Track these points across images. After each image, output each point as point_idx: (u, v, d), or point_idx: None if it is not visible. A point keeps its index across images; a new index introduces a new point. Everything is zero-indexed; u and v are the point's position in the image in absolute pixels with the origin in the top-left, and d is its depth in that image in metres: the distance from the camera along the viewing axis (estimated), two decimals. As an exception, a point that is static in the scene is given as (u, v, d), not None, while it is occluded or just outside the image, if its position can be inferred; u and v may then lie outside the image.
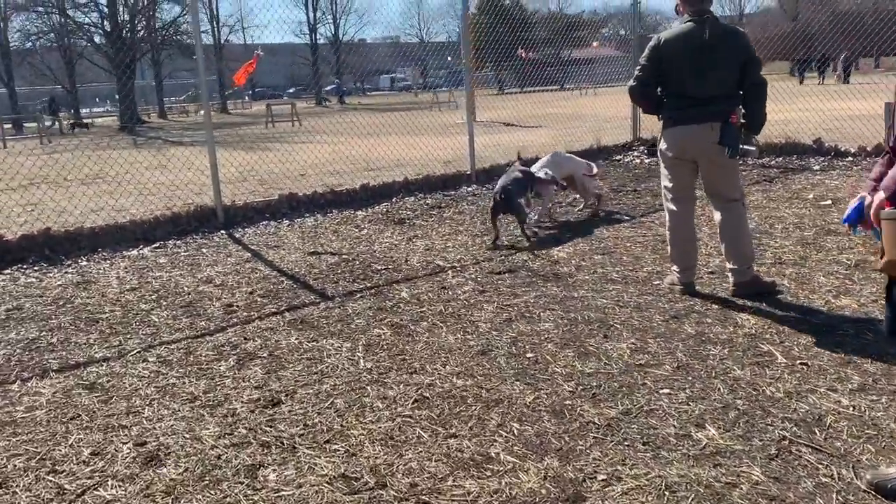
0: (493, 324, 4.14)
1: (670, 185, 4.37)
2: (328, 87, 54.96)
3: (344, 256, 6.05)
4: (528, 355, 3.64)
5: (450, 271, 5.40)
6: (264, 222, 7.59)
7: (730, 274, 4.33)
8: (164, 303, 5.00)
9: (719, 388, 3.15)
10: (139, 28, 37.00)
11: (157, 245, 6.75)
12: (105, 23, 35.06)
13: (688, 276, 4.43)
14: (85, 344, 4.26)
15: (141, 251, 6.59)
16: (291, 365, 3.74)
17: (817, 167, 8.97)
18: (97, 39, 36.39)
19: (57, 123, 32.26)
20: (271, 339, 4.14)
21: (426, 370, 3.55)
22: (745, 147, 4.23)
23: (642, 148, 11.08)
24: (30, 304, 5.12)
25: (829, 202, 6.78)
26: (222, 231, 7.21)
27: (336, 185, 9.35)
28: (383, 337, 4.06)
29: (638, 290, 4.61)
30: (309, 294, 5.03)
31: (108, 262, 6.28)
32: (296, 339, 4.12)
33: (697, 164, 4.28)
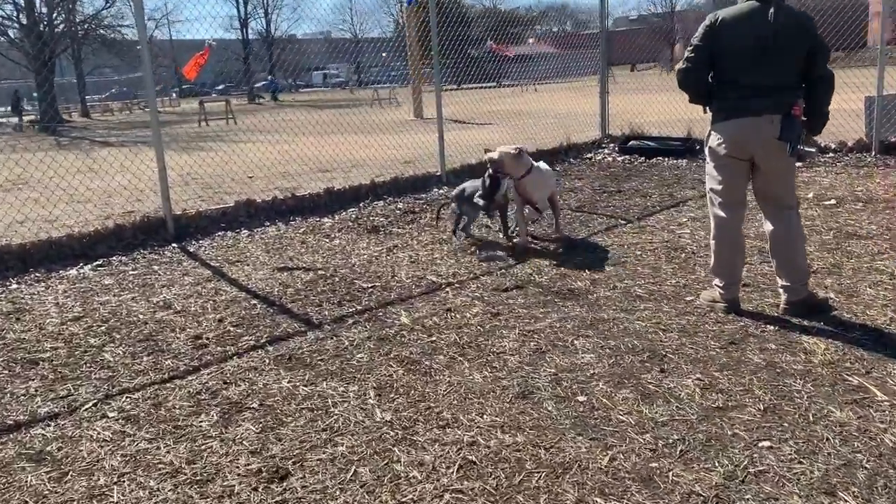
0: (523, 356, 3.54)
1: (719, 187, 3.85)
2: (259, 84, 53.26)
3: (320, 272, 5.35)
4: (580, 398, 3.05)
5: (448, 288, 4.77)
6: (220, 233, 6.79)
7: (782, 291, 3.84)
8: (118, 336, 4.22)
9: (828, 439, 2.62)
10: (58, 22, 34.93)
11: (99, 262, 5.89)
12: (21, 16, 32.90)
13: (732, 291, 3.92)
14: (24, 395, 3.46)
15: (81, 270, 5.72)
16: (291, 418, 3.06)
17: (799, 164, 8.68)
18: (12, 34, 34.13)
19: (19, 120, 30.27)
20: (258, 383, 3.44)
21: (460, 422, 2.92)
22: (804, 148, 3.74)
23: (613, 145, 10.68)
24: (-50, 342, 4.25)
25: (834, 202, 6.44)
26: (174, 244, 6.39)
27: (295, 189, 8.60)
28: (395, 377, 3.41)
29: (673, 308, 4.09)
30: (291, 321, 4.32)
31: (42, 284, 5.40)
32: (288, 381, 3.43)
33: (752, 164, 3.76)
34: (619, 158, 10.13)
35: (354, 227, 6.86)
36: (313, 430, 2.94)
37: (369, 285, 4.96)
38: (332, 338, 3.98)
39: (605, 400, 3.02)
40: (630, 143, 10.35)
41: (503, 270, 5.10)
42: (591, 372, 3.30)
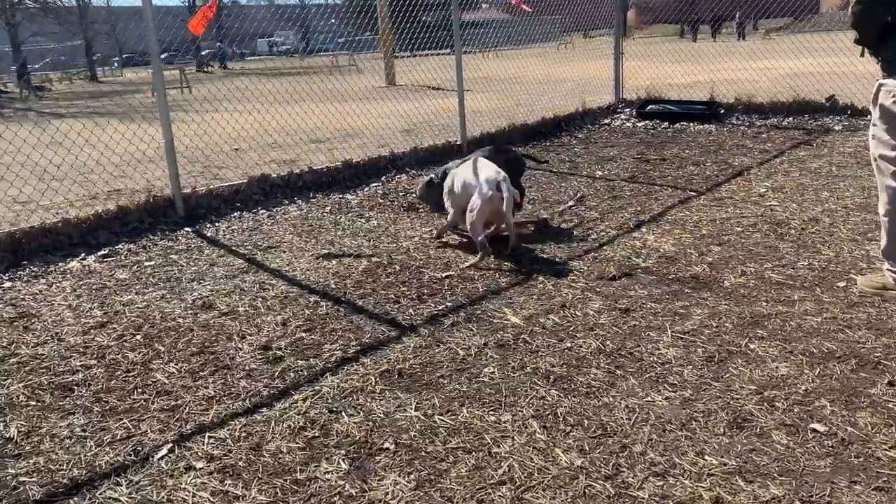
0: (697, 367, 2.88)
1: (893, 154, 3.22)
2: (205, 52, 51.00)
3: (374, 259, 4.59)
4: (815, 427, 2.41)
5: (540, 277, 4.07)
6: (235, 213, 5.94)
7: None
8: (162, 348, 3.41)
9: None
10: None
11: (104, 252, 5.01)
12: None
13: (912, 277, 3.32)
14: (70, 438, 2.66)
15: (85, 262, 4.84)
16: (446, 465, 2.34)
17: (839, 127, 8.19)
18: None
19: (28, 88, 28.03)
20: (376, 412, 2.71)
21: (680, 466, 2.25)
22: None
23: (629, 110, 10.03)
24: (-52, 362, 3.39)
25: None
26: (187, 228, 5.52)
27: (294, 161, 7.77)
28: (552, 401, 2.71)
29: (835, 298, 3.47)
30: (373, 322, 3.57)
31: (42, 281, 4.51)
32: (416, 409, 2.70)
33: None
34: (638, 124, 9.50)
35: (387, 204, 6.09)
36: (487, 484, 2.23)
37: (442, 274, 4.23)
38: (436, 344, 3.26)
39: (849, 428, 2.38)
40: (649, 107, 9.72)
41: (592, 254, 4.41)
42: (802, 388, 2.66)
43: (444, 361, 3.09)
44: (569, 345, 3.15)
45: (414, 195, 6.00)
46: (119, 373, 3.19)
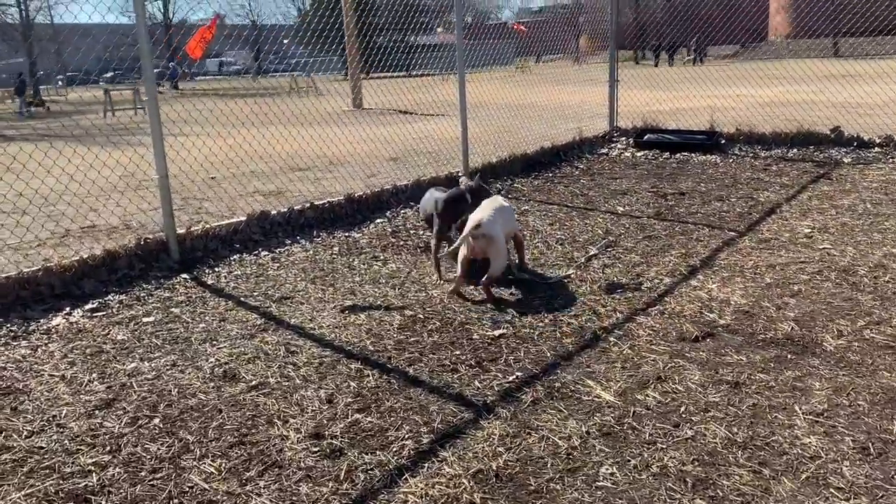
0: (854, 463, 2.44)
1: None
2: (155, 71, 49.60)
3: (408, 313, 4.08)
4: None
5: (610, 338, 3.61)
6: (235, 256, 5.35)
7: None
8: (190, 437, 2.82)
9: None
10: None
11: (93, 306, 4.37)
12: None
13: None
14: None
15: (71, 318, 4.19)
16: None
17: (847, 160, 8.00)
18: None
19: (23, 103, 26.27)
20: (487, 531, 2.17)
21: None
22: None
23: (624, 140, 9.73)
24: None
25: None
26: (184, 275, 4.90)
27: (280, 192, 7.21)
28: (703, 511, 2.22)
29: (963, 366, 3.08)
30: (436, 399, 3.05)
31: (24, 343, 3.86)
32: (537, 527, 2.18)
33: None
34: (637, 154, 9.19)
35: (400, 244, 5.57)
36: None
37: (494, 332, 3.74)
38: (525, 431, 2.75)
39: None
40: (647, 136, 9.44)
41: (656, 307, 3.98)
42: None
43: (546, 457, 2.58)
44: (689, 433, 2.68)
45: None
46: (143, 473, 2.59)
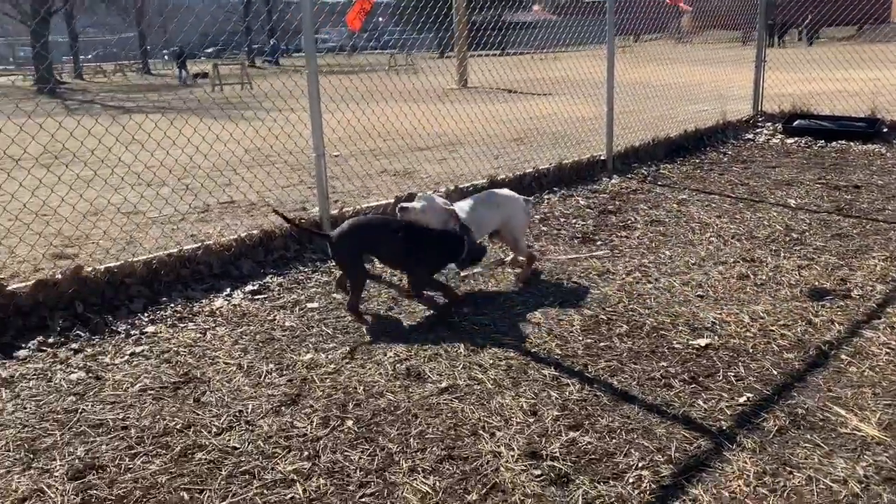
0: None
1: None
2: (255, 47, 50.63)
3: (587, 313, 3.70)
4: None
5: (842, 354, 3.13)
6: (384, 239, 5.07)
7: None
8: (391, 444, 2.57)
9: None
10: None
11: (253, 288, 4.20)
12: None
13: None
14: None
15: (232, 300, 4.02)
16: None
17: None
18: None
19: (185, 73, 27.54)
20: None
21: None
22: None
23: (770, 125, 9.00)
24: (108, 450, 2.57)
25: None
26: (337, 258, 4.66)
27: (412, 172, 6.92)
28: None
29: None
30: (660, 420, 2.69)
31: (192, 325, 3.71)
32: None
33: None
34: (787, 141, 8.47)
35: (553, 233, 5.19)
36: None
37: (700, 342, 3.31)
38: (784, 469, 2.35)
39: None
40: (797, 122, 8.69)
41: (882, 321, 3.46)
42: None
43: None
44: None
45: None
46: (352, 488, 2.33)
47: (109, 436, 2.68)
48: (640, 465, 2.41)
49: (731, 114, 9.38)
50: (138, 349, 3.41)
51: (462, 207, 4.04)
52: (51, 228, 4.94)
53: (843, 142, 8.22)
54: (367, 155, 8.21)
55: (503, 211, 4.18)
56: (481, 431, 2.64)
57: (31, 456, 2.56)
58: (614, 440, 2.56)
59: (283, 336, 3.54)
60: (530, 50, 28.57)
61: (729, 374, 3.02)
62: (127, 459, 2.52)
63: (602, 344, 3.37)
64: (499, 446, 2.54)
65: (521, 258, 4.32)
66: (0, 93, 24.53)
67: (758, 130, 8.90)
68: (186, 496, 2.32)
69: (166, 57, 53.06)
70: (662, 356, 3.22)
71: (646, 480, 2.32)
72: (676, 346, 3.32)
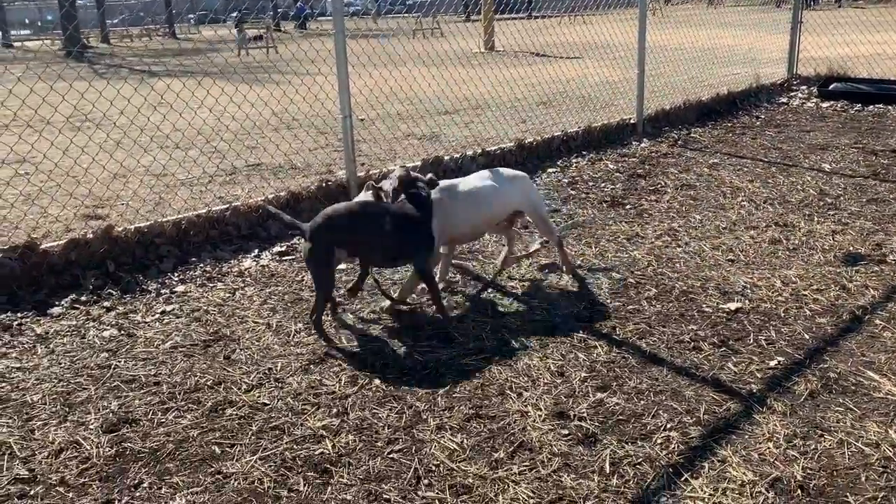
0: None
1: None
2: (280, 11, 50.33)
3: (615, 276, 3.67)
4: None
5: (875, 320, 3.07)
6: (410, 202, 5.05)
7: None
8: (419, 404, 2.58)
9: None
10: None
11: (280, 249, 4.24)
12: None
13: None
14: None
15: (261, 260, 4.05)
16: None
17: None
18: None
19: (246, 36, 27.33)
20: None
21: None
22: None
23: (805, 88, 8.78)
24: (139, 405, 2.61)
25: None
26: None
27: (436, 136, 6.85)
28: None
29: None
30: (688, 382, 2.67)
31: (221, 285, 3.75)
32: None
33: None
34: (822, 105, 8.26)
35: (580, 196, 5.14)
36: None
37: (730, 305, 3.27)
38: (815, 432, 2.33)
39: None
40: (833, 85, 8.47)
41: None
42: None
43: (856, 468, 2.15)
44: None
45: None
46: (380, 444, 2.36)
47: (142, 391, 2.72)
48: (668, 426, 2.40)
49: (765, 77, 9.16)
50: (169, 308, 3.45)
51: (472, 183, 3.44)
52: (82, 189, 5.00)
53: (881, 105, 8.00)
54: (392, 118, 8.15)
55: (522, 187, 3.57)
56: (508, 391, 2.65)
57: (67, 409, 2.61)
58: (642, 402, 2.55)
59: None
60: (558, 13, 28.10)
61: (760, 338, 2.98)
62: (159, 414, 2.56)
63: (630, 307, 3.34)
64: (526, 406, 2.55)
65: (551, 244, 3.79)
66: (29, 56, 24.71)
67: (792, 94, 8.69)
68: (217, 450, 2.35)
69: (192, 21, 52.95)
70: (692, 319, 3.18)
71: (674, 441, 2.31)
72: (706, 309, 3.28)
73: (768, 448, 2.25)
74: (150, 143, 6.03)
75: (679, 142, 6.71)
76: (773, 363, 2.76)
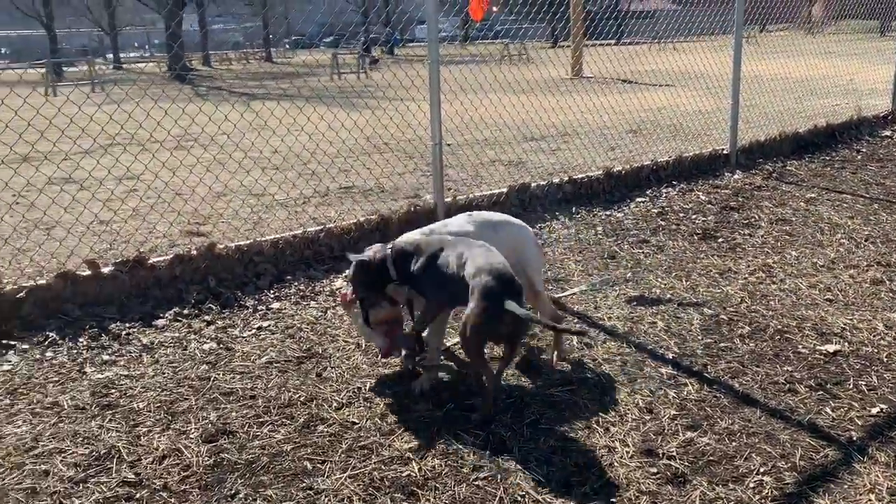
0: None
1: None
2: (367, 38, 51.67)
3: (707, 312, 3.61)
4: None
5: None
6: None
7: None
8: (503, 431, 2.59)
9: None
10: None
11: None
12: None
13: None
14: None
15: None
16: None
17: None
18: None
19: (367, 60, 28.52)
20: None
21: None
22: None
23: (913, 122, 8.38)
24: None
25: None
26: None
27: (520, 162, 6.87)
28: None
29: None
30: (783, 426, 2.59)
31: (314, 304, 3.89)
32: None
33: None
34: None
35: (670, 228, 5.06)
36: None
37: (828, 348, 3.15)
38: (920, 485, 2.19)
39: None
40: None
41: None
42: None
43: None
44: None
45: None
46: (466, 470, 2.39)
47: (239, 404, 2.84)
48: (761, 470, 2.34)
49: (867, 109, 8.81)
50: (265, 324, 3.60)
51: (450, 229, 2.97)
52: (186, 206, 5.27)
53: None
54: (477, 145, 8.25)
55: (510, 237, 3.02)
56: (595, 425, 2.63)
57: (170, 418, 2.76)
58: (734, 443, 2.50)
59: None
60: (647, 39, 27.77)
61: (860, 382, 2.87)
62: (255, 427, 2.67)
63: (722, 344, 3.27)
64: (613, 441, 2.53)
65: (543, 316, 3.05)
66: (136, 78, 26.23)
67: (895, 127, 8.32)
68: (309, 465, 2.43)
69: (286, 45, 54.95)
70: (787, 360, 3.09)
71: (768, 486, 2.25)
72: (802, 350, 3.18)
73: (869, 500, 2.17)
74: (250, 164, 6.31)
75: (774, 174, 6.53)
76: (874, 410, 2.65)
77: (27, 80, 12.27)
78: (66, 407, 2.85)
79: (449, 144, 8.16)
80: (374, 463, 2.44)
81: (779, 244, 4.63)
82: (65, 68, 31.65)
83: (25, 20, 39.32)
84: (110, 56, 43.02)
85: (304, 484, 2.34)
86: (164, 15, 29.25)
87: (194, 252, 3.99)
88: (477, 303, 2.51)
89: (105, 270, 3.75)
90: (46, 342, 3.41)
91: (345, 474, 2.38)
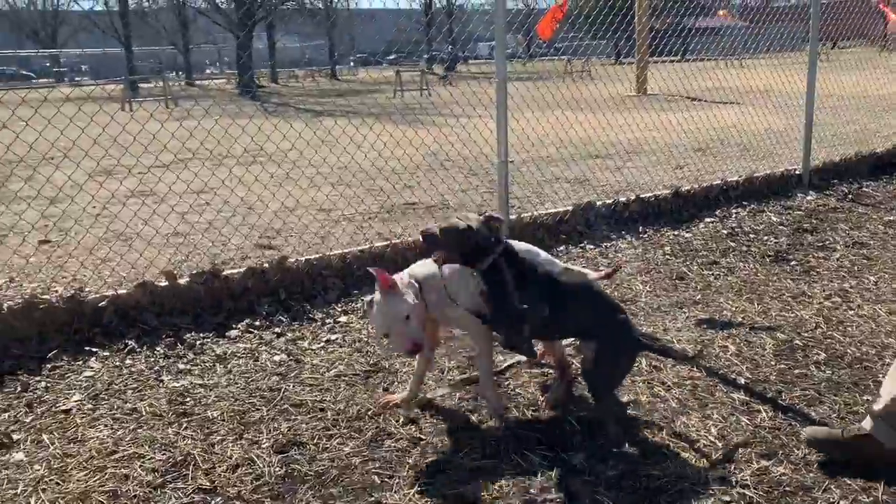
0: None
1: None
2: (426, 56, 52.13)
3: (781, 337, 3.52)
4: None
5: None
6: (561, 247, 5.11)
7: None
8: (576, 454, 2.54)
9: None
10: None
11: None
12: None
13: None
14: None
15: (416, 298, 4.17)
16: None
17: None
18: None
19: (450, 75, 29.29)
20: None
21: None
22: None
23: None
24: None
25: None
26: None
27: (584, 180, 6.81)
28: None
29: None
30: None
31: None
32: None
33: None
34: None
35: (741, 249, 4.94)
36: None
37: None
38: None
39: None
40: None
41: None
42: None
43: None
44: None
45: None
46: (534, 490, 2.37)
47: (309, 416, 2.90)
48: (840, 503, 2.25)
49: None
50: (333, 337, 3.66)
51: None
52: (259, 221, 5.42)
53: None
54: (539, 162, 8.23)
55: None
56: (666, 451, 2.59)
57: (242, 427, 2.83)
58: (811, 474, 2.42)
59: (461, 334, 3.64)
60: (714, 56, 27.27)
61: (948, 416, 2.73)
62: (324, 439, 2.72)
63: (797, 371, 3.18)
64: (684, 468, 2.48)
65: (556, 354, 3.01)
66: (209, 94, 27.10)
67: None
68: (377, 480, 2.46)
69: (351, 63, 55.94)
70: (866, 389, 2.99)
71: (848, 521, 2.17)
72: (883, 380, 3.05)
73: (960, 540, 2.06)
74: (320, 180, 6.45)
75: (849, 196, 6.33)
76: (965, 446, 2.52)
77: (105, 97, 12.83)
78: (144, 413, 2.95)
79: (512, 161, 8.16)
80: (442, 480, 2.45)
81: (855, 268, 4.48)
82: (139, 84, 32.97)
83: (105, 39, 41.18)
84: (182, 73, 44.71)
85: (372, 498, 2.36)
86: (236, 34, 30.19)
87: (266, 265, 4.09)
88: (628, 343, 2.68)
89: (182, 281, 3.89)
90: (126, 350, 3.54)
91: (413, 490, 2.40)
